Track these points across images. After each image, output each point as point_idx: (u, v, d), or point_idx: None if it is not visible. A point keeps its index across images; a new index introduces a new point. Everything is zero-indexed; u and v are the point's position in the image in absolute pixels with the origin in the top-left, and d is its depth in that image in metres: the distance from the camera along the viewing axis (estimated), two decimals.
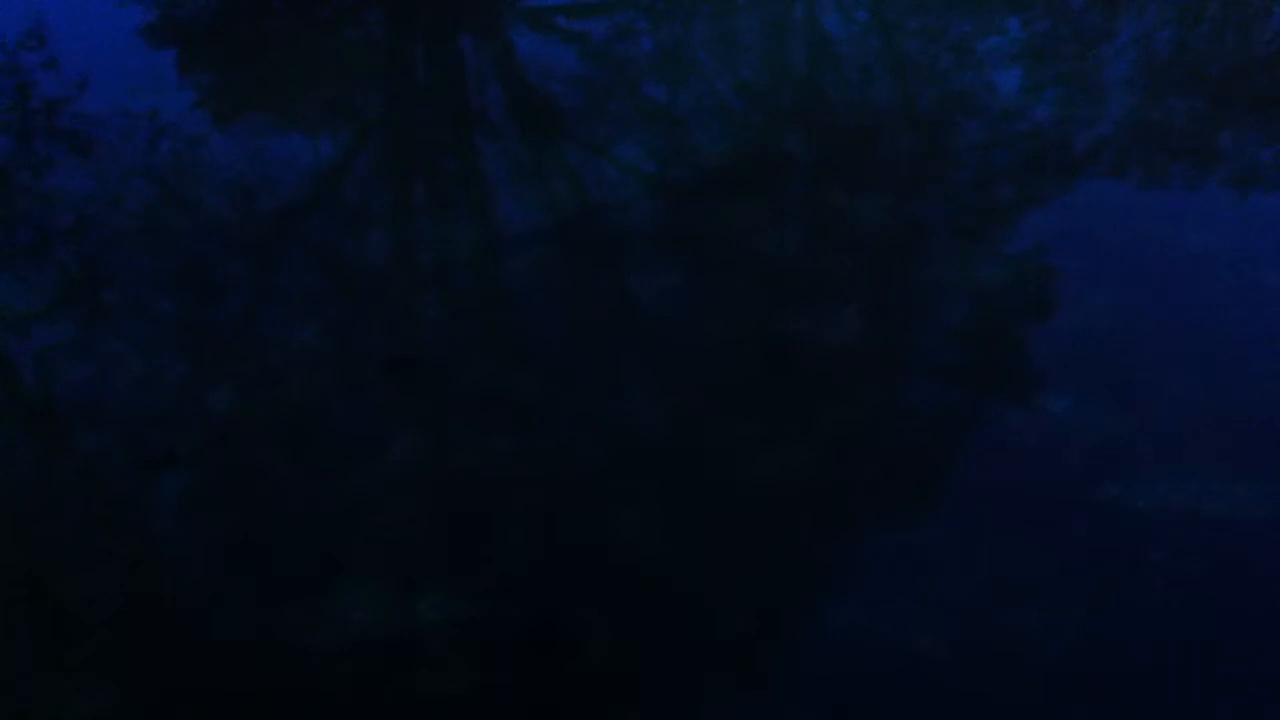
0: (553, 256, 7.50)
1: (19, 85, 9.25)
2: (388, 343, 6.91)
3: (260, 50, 9.69)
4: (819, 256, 7.32)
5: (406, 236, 7.90)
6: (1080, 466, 5.96)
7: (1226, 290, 6.92)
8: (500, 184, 8.20)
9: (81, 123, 8.76)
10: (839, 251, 7.35)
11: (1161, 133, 8.21)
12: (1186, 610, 5.35)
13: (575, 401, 6.47)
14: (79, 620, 5.56)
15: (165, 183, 8.18)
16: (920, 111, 8.54)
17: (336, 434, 6.36)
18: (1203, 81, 8.69)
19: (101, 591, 5.67)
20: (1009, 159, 8.03)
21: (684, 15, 9.94)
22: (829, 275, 7.16)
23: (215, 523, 6.00)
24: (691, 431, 6.25)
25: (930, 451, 6.17)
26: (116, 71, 9.28)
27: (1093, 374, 6.42)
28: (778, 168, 8.14)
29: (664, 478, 6.06)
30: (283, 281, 7.37)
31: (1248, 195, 7.71)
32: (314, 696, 5.22)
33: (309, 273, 7.44)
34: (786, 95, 9.00)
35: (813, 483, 6.00)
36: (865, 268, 7.21)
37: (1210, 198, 7.67)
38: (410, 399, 6.53)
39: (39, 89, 9.19)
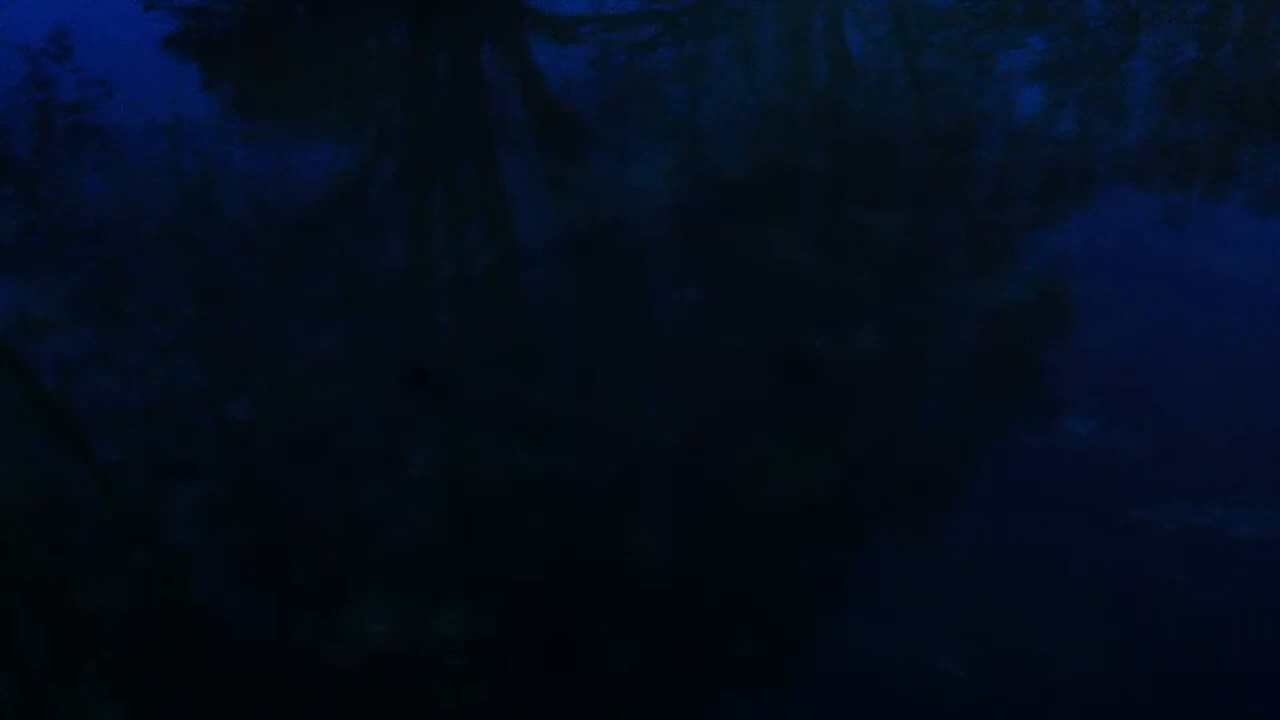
0: (570, 269, 7.49)
1: (44, 92, 9.27)
2: (406, 354, 6.91)
3: (282, 59, 9.71)
4: (838, 273, 7.30)
5: (425, 247, 7.91)
6: (1103, 489, 5.94)
7: (1251, 311, 6.89)
8: (518, 196, 8.20)
9: (104, 129, 8.78)
10: (858, 268, 7.33)
11: (1185, 152, 8.18)
12: (1211, 634, 5.32)
13: (593, 415, 6.46)
14: (96, 630, 5.56)
15: (187, 191, 8.19)
16: (941, 128, 8.52)
17: (353, 445, 6.35)
18: (1226, 101, 8.66)
19: (118, 601, 5.67)
20: (1030, 177, 8.01)
21: (705, 29, 9.94)
22: (848, 292, 7.15)
23: (231, 533, 6.00)
24: (709, 446, 6.24)
25: (951, 471, 6.14)
26: (140, 79, 9.29)
27: (1115, 395, 6.39)
28: (797, 183, 8.13)
29: (682, 492, 6.05)
30: (302, 291, 7.37)
31: (1272, 216, 7.69)
32: (330, 709, 5.22)
33: (328, 283, 7.44)
34: (806, 110, 8.99)
35: (831, 500, 5.98)
36: (885, 285, 7.19)
37: (1234, 218, 7.65)
38: (428, 411, 6.53)
39: (63, 95, 9.21)
